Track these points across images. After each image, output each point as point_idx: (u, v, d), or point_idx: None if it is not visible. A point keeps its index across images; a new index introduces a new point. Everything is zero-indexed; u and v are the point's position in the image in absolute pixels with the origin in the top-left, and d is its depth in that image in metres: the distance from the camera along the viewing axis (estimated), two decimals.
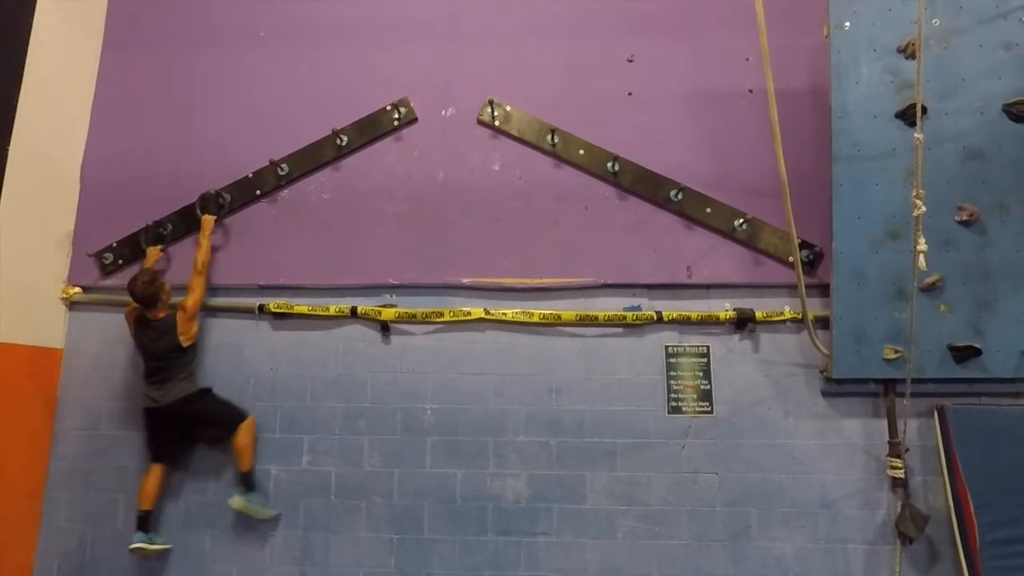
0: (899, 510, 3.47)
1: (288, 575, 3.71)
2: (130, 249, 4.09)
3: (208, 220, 3.88)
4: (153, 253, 3.94)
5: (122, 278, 4.08)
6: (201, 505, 3.81)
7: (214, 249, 4.02)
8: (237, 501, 3.55)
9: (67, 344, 4.06)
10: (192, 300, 3.66)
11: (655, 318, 3.79)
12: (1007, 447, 3.39)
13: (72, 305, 4.11)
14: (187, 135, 4.21)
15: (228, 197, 4.05)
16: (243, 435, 3.64)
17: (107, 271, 4.10)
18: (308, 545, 3.73)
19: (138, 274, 3.65)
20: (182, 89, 4.27)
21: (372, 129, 4.08)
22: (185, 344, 3.64)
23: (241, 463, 3.62)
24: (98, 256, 4.08)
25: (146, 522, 3.59)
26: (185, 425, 3.70)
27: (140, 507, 3.61)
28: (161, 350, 3.60)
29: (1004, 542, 3.26)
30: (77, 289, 4.10)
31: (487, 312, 3.85)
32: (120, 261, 4.09)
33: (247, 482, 3.62)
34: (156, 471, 3.67)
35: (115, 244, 4.09)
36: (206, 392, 3.79)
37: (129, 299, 4.02)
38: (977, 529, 3.26)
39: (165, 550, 3.65)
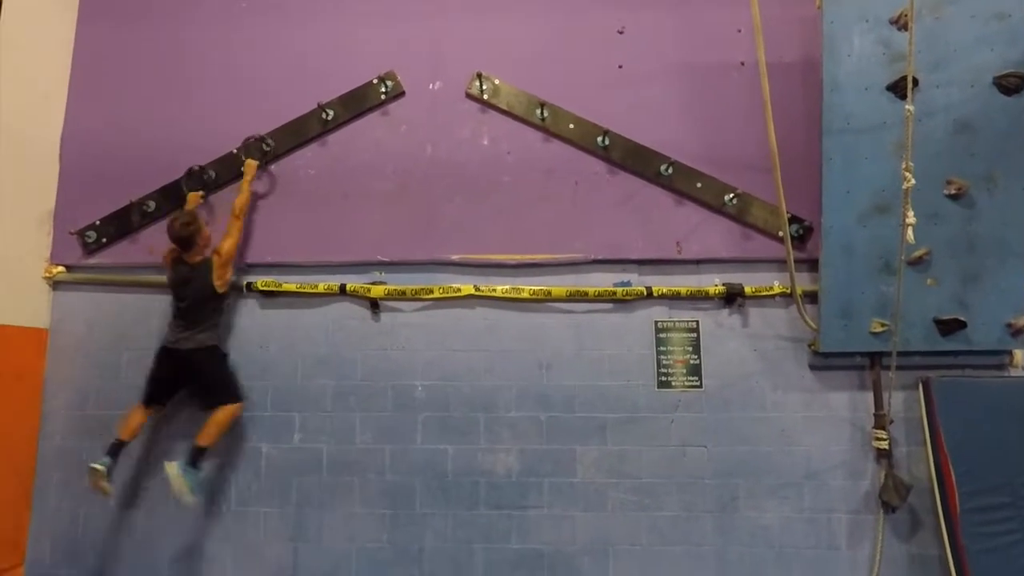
0: (883, 480, 3.54)
1: (282, 551, 3.74)
2: (114, 227, 4.02)
3: (251, 165, 3.82)
4: (193, 198, 3.86)
5: (106, 256, 4.04)
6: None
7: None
8: (173, 467, 3.36)
9: (52, 324, 4.02)
10: (228, 244, 3.61)
11: (645, 293, 3.80)
12: (989, 418, 3.46)
13: (56, 284, 4.05)
14: (168, 111, 4.11)
15: (213, 174, 3.98)
16: (224, 413, 3.55)
17: (90, 250, 4.03)
18: (301, 521, 3.76)
19: (177, 215, 3.59)
20: (161, 63, 4.16)
21: (358, 103, 4.01)
22: (220, 290, 3.59)
23: (205, 436, 3.47)
24: (80, 234, 4.01)
25: (116, 450, 3.48)
26: (186, 376, 3.63)
27: (119, 435, 3.51)
28: (194, 294, 3.54)
29: (983, 509, 3.34)
30: (60, 268, 4.04)
31: (477, 289, 3.84)
32: (104, 239, 4.02)
33: (196, 457, 3.45)
34: (141, 413, 3.58)
35: (98, 222, 4.02)
36: (223, 355, 3.75)
37: (116, 276, 4.01)
38: (958, 497, 3.34)
39: (108, 494, 3.44)
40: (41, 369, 3.96)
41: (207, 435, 3.50)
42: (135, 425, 3.58)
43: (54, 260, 4.04)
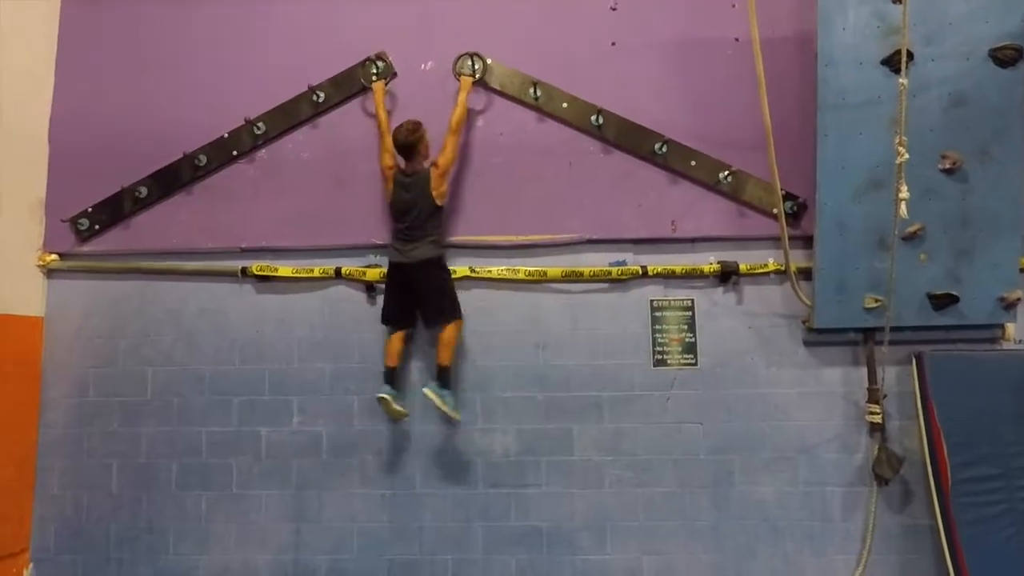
0: (875, 453, 3.59)
1: (285, 531, 3.79)
2: (106, 214, 4.00)
3: (467, 82, 3.80)
4: (380, 87, 3.85)
5: (99, 244, 4.02)
6: (196, 466, 3.85)
7: (192, 212, 3.96)
8: (431, 391, 3.53)
9: (47, 312, 4.01)
10: (445, 157, 3.61)
11: (640, 273, 3.81)
12: (980, 390, 3.50)
13: (50, 272, 4.03)
14: (157, 94, 4.06)
15: (204, 159, 3.95)
16: (452, 330, 3.62)
17: (83, 237, 4.01)
18: (302, 502, 3.80)
19: (402, 123, 3.60)
20: (150, 45, 4.10)
21: (350, 85, 3.96)
22: (439, 202, 3.61)
23: (443, 356, 3.59)
24: (73, 222, 3.99)
25: (391, 377, 3.64)
26: (416, 289, 3.63)
27: (386, 363, 3.66)
28: (414, 206, 3.56)
29: (974, 480, 3.39)
30: (54, 256, 4.02)
31: (472, 270, 3.84)
32: (96, 226, 4.00)
33: (444, 377, 3.60)
34: (397, 337, 3.70)
35: (90, 209, 3.99)
36: (448, 269, 3.73)
37: (110, 264, 4.00)
38: (949, 469, 3.39)
39: (405, 415, 3.62)
40: (38, 357, 3.96)
41: (444, 356, 3.60)
42: (397, 349, 3.68)
43: (47, 248, 4.03)
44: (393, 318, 3.72)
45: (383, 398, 3.54)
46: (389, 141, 3.68)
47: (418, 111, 3.94)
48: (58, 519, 3.87)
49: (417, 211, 3.57)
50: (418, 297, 3.66)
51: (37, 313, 3.98)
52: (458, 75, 3.88)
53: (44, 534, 3.87)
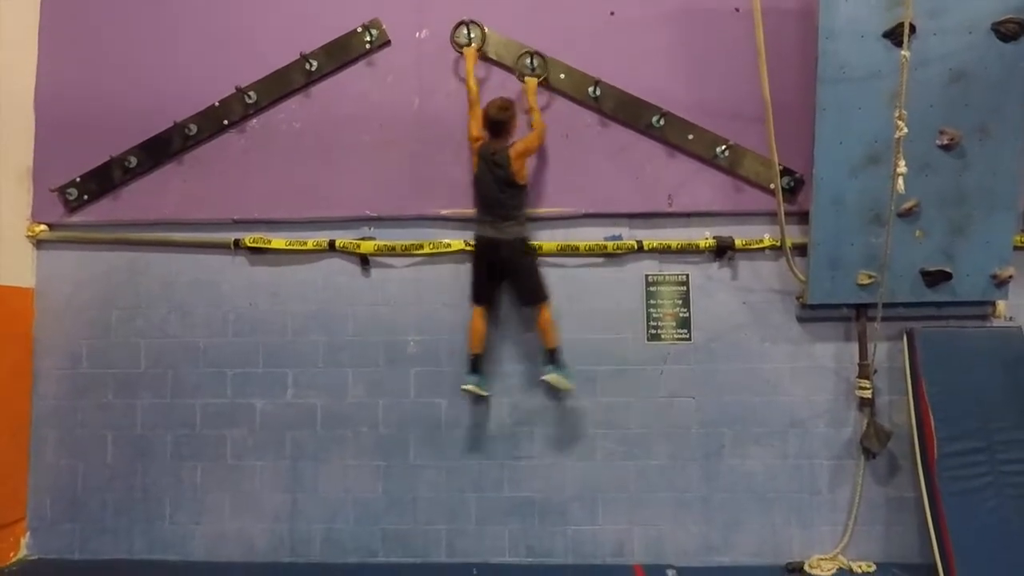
0: (864, 427, 3.64)
1: (280, 501, 3.83)
2: (95, 184, 3.94)
3: (532, 83, 3.74)
4: (471, 52, 3.75)
5: (89, 214, 3.97)
6: (190, 438, 3.87)
7: (182, 182, 3.91)
8: (551, 376, 3.57)
9: (38, 283, 3.97)
10: (528, 142, 3.59)
11: (636, 247, 3.80)
12: (970, 367, 3.54)
13: (39, 243, 3.98)
14: (145, 62, 3.97)
15: (194, 128, 3.88)
16: (547, 312, 3.63)
17: (72, 207, 3.96)
18: (297, 473, 3.83)
19: (495, 99, 3.58)
20: (136, 11, 3.99)
21: (343, 53, 3.88)
22: (521, 181, 3.58)
23: (549, 339, 3.62)
24: (61, 192, 3.93)
25: (477, 365, 3.65)
26: (503, 269, 3.64)
27: (472, 350, 3.65)
28: (502, 184, 3.54)
29: (960, 454, 3.45)
30: (43, 227, 3.97)
31: (467, 243, 3.81)
32: (85, 196, 3.94)
33: (555, 358, 3.62)
34: (480, 313, 3.67)
35: (79, 179, 3.93)
36: (534, 249, 3.72)
37: (100, 235, 3.95)
38: (936, 443, 3.44)
39: (486, 397, 3.71)
40: (29, 329, 3.94)
41: (549, 339, 3.62)
42: (483, 333, 3.65)
43: (36, 218, 3.97)
44: (483, 296, 3.68)
45: (470, 389, 3.59)
46: (479, 111, 3.64)
47: (413, 81, 3.90)
48: (54, 489, 3.89)
49: (503, 187, 3.54)
50: (507, 276, 3.65)
51: (27, 284, 3.94)
52: (457, 45, 3.80)
53: (40, 504, 3.89)
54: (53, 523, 3.88)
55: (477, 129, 3.64)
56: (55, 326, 3.95)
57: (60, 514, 3.88)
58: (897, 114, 2.96)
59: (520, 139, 3.61)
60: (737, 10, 3.79)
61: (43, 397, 3.93)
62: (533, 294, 3.64)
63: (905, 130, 2.97)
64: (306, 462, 3.83)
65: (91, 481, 3.89)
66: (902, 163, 2.97)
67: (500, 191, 3.55)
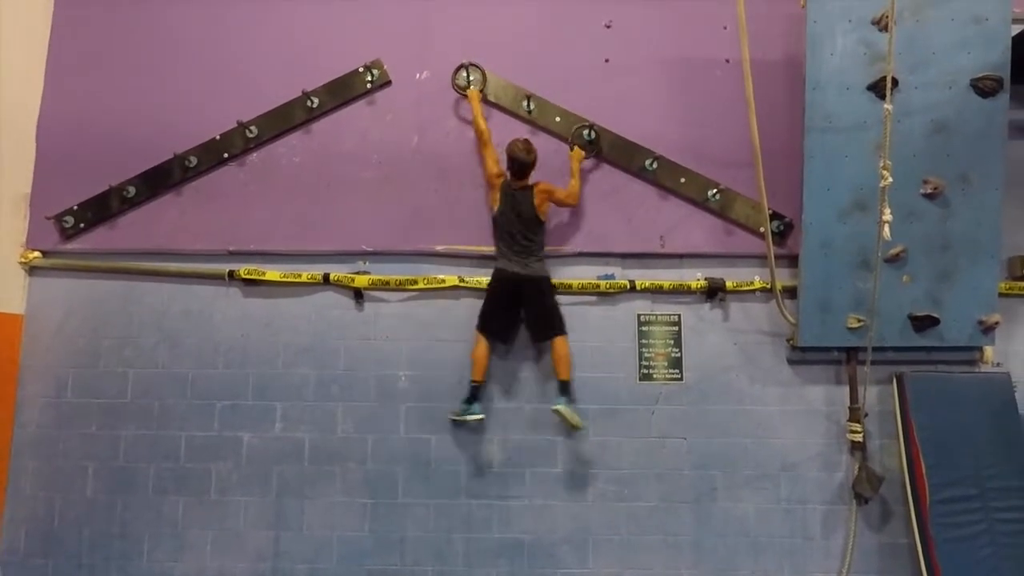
0: (856, 472, 3.63)
1: (263, 539, 3.73)
2: (92, 212, 3.95)
3: (579, 154, 3.81)
4: (475, 94, 3.85)
5: (84, 242, 3.97)
6: (174, 471, 3.79)
7: (180, 213, 3.94)
8: (561, 408, 3.55)
9: (28, 309, 3.94)
10: (565, 193, 3.70)
11: (628, 287, 3.83)
12: (959, 412, 3.56)
13: (32, 270, 3.97)
14: (149, 94, 4.04)
15: (194, 160, 3.93)
16: (563, 345, 3.66)
17: (68, 235, 3.96)
18: (282, 510, 3.75)
19: (517, 140, 3.66)
20: (142, 45, 4.08)
21: (344, 91, 3.97)
22: (542, 218, 3.68)
23: (562, 372, 3.63)
24: (58, 219, 3.94)
25: (477, 394, 3.66)
26: (521, 304, 3.68)
27: (474, 378, 3.65)
28: (525, 220, 3.62)
29: (952, 500, 3.43)
30: (36, 253, 3.96)
31: (462, 280, 3.84)
32: (82, 224, 3.95)
33: (567, 391, 3.64)
34: (485, 343, 3.68)
35: (76, 207, 3.94)
36: (553, 286, 3.77)
37: (94, 263, 3.94)
38: (928, 489, 3.43)
39: (480, 420, 3.70)
40: (16, 355, 3.89)
41: (563, 371, 3.64)
42: (486, 363, 3.67)
43: (30, 245, 3.97)
44: (493, 329, 3.70)
45: (462, 419, 3.64)
46: (493, 150, 3.74)
47: (412, 120, 3.98)
48: (30, 521, 3.78)
49: (526, 225, 3.64)
50: (527, 311, 3.70)
51: (17, 311, 3.91)
52: (458, 87, 3.91)
53: (14, 536, 3.77)
54: (26, 557, 3.75)
55: (495, 165, 3.73)
56: (42, 354, 3.90)
57: (34, 548, 3.76)
58: (882, 164, 3.05)
59: (549, 184, 3.69)
60: (727, 61, 3.93)
61: (25, 425, 3.85)
62: (553, 328, 3.68)
63: (890, 179, 3.06)
64: (292, 498, 3.76)
65: (69, 514, 3.78)
66: (887, 211, 3.04)
67: (525, 227, 3.64)
